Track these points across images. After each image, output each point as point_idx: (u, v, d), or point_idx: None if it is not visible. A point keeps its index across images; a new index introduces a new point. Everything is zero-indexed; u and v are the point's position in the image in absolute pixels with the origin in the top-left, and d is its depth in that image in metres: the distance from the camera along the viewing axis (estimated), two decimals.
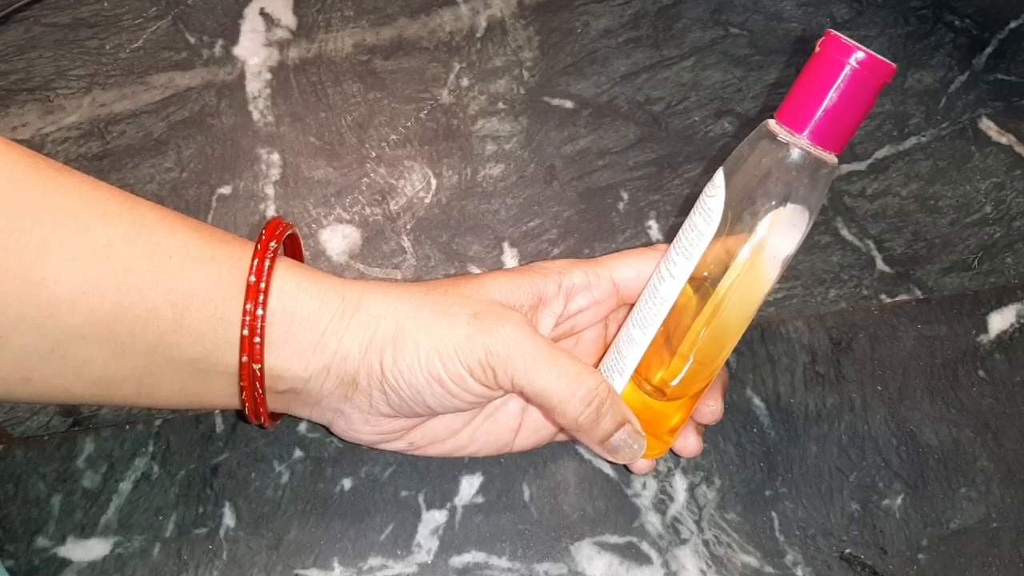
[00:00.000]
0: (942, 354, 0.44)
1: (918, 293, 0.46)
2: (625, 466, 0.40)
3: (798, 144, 0.31)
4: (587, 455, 0.41)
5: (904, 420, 0.42)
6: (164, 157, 0.48)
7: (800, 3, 0.54)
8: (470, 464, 0.41)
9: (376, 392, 0.35)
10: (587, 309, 0.38)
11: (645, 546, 0.39)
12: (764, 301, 0.35)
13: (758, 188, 0.32)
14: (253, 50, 0.51)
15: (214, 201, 0.47)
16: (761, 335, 0.44)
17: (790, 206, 0.32)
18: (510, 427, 0.38)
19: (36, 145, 0.47)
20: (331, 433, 0.39)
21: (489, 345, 0.33)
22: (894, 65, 0.30)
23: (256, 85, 0.50)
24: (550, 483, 0.40)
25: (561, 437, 0.40)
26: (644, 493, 0.40)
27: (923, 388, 0.43)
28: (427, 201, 0.47)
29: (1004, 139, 0.50)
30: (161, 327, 0.32)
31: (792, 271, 0.46)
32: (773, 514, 0.40)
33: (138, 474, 0.40)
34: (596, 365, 0.38)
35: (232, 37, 0.51)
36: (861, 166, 0.49)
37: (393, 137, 0.49)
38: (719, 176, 0.33)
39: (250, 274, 0.33)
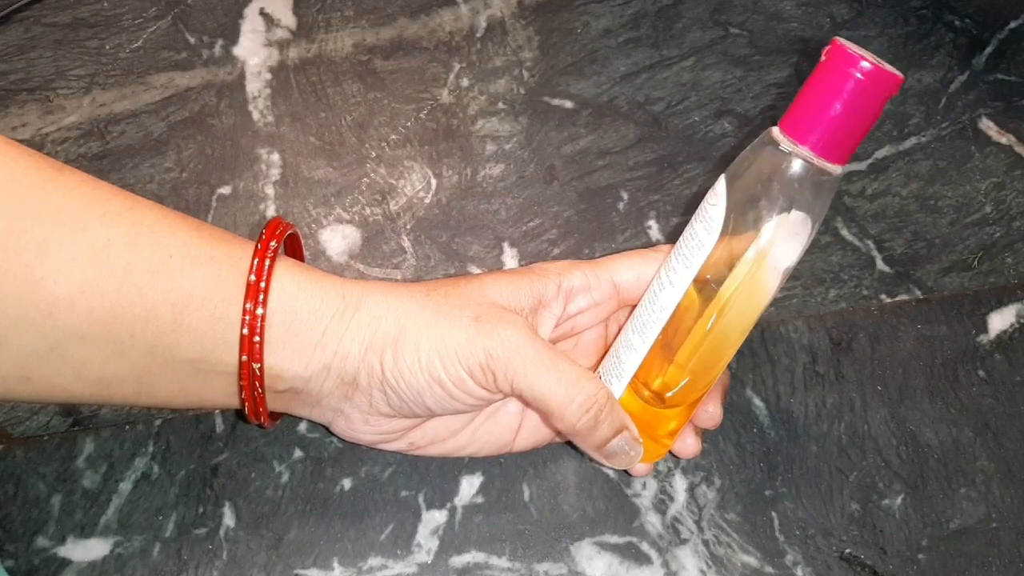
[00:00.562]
0: (942, 354, 0.44)
1: (918, 293, 0.46)
2: None
3: (801, 155, 0.31)
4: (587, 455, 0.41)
5: (904, 420, 0.42)
6: (164, 157, 0.48)
7: (800, 3, 0.54)
8: (470, 464, 0.41)
9: (376, 392, 0.35)
10: (587, 310, 0.38)
11: (645, 546, 0.39)
12: (763, 311, 0.34)
13: (760, 197, 0.31)
14: (253, 50, 0.51)
15: (214, 201, 0.47)
16: (761, 335, 0.44)
17: (792, 216, 0.31)
18: (510, 427, 0.38)
19: (36, 145, 0.47)
20: (331, 433, 0.39)
21: (490, 348, 0.33)
22: (901, 76, 0.30)
23: (256, 85, 0.50)
24: (550, 483, 0.40)
25: (561, 437, 0.40)
26: (644, 493, 0.40)
27: (923, 388, 0.43)
28: (427, 201, 0.47)
29: (1004, 139, 0.50)
30: (161, 327, 0.32)
31: (792, 271, 0.46)
32: (773, 514, 0.40)
33: (138, 474, 0.40)
34: (595, 367, 0.38)
35: (232, 37, 0.51)
36: (861, 166, 0.49)
37: (393, 137, 0.49)
38: (721, 184, 0.33)
39: (250, 273, 0.33)
